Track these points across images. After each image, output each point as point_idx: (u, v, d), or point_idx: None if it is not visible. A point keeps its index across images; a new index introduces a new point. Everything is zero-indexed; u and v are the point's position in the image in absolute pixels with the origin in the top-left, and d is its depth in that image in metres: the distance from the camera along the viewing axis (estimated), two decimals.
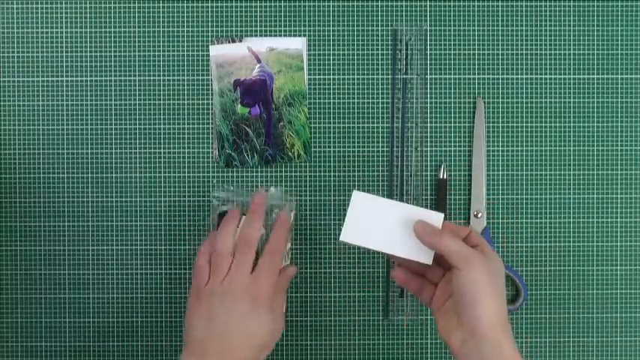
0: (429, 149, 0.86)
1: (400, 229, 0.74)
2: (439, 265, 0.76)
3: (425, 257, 0.74)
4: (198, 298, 0.77)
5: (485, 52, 0.86)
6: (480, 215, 0.86)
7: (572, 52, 0.87)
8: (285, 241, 0.80)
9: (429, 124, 0.86)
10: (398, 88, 0.86)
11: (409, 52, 0.86)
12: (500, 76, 0.87)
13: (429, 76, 0.86)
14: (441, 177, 0.85)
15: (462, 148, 0.87)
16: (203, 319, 0.76)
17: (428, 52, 0.86)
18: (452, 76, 0.87)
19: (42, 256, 0.86)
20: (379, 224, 0.74)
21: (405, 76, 0.86)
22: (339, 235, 0.76)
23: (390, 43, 0.86)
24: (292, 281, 0.87)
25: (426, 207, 0.86)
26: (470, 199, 0.86)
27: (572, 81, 0.87)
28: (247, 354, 0.76)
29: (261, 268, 0.77)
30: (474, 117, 0.86)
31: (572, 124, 0.87)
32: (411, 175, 0.86)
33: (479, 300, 0.69)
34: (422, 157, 0.86)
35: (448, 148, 0.86)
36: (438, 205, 0.85)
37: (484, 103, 0.86)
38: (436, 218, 0.74)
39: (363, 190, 0.86)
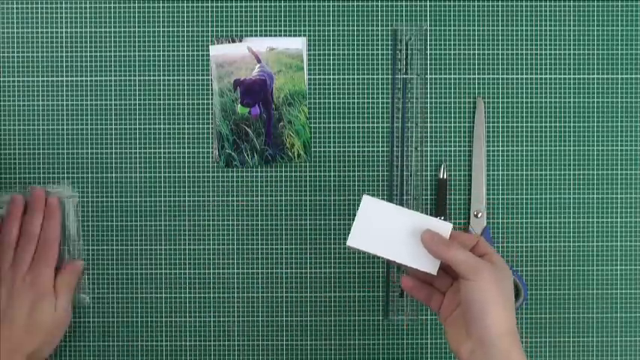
0: (429, 149, 0.86)
1: (407, 238, 0.74)
2: (447, 273, 0.76)
3: (430, 267, 0.74)
4: None
5: (485, 52, 0.86)
6: (480, 215, 0.86)
7: (572, 52, 0.87)
8: (55, 227, 0.83)
9: (429, 124, 0.86)
10: (398, 88, 0.86)
11: (409, 52, 0.86)
12: (500, 76, 0.87)
13: (429, 76, 0.86)
14: (441, 177, 0.85)
15: (462, 148, 0.87)
16: None
17: (428, 52, 0.86)
18: (452, 76, 0.87)
19: None
20: (387, 231, 0.74)
21: (405, 76, 0.86)
22: (347, 238, 0.76)
23: (390, 43, 0.86)
24: (289, 281, 0.87)
25: (426, 207, 0.86)
26: (470, 199, 0.86)
27: (572, 81, 0.87)
28: (34, 342, 0.79)
29: (37, 259, 0.81)
30: (474, 117, 0.86)
31: (572, 124, 0.87)
32: (411, 175, 0.86)
33: (487, 309, 0.69)
34: (422, 157, 0.86)
35: (448, 148, 0.86)
36: (438, 205, 0.85)
37: (484, 103, 0.86)
38: (444, 228, 0.74)
39: (365, 191, 0.86)
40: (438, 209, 0.85)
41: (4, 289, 0.80)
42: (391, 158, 0.86)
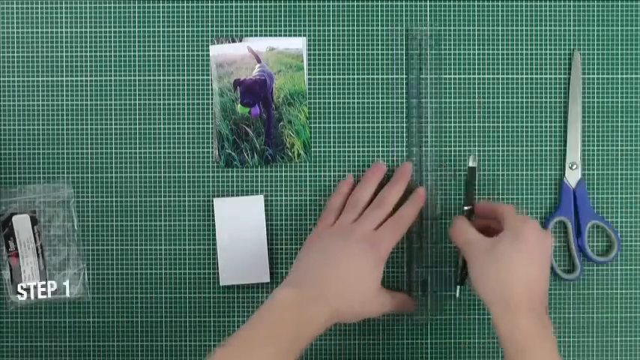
0: (429, 149, 0.86)
1: None
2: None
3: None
4: (319, 235, 0.80)
5: (486, 52, 0.86)
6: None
7: (571, 52, 0.87)
8: (415, 214, 0.81)
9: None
10: (400, 86, 0.86)
11: (423, 51, 0.85)
12: (500, 76, 0.86)
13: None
14: (470, 165, 0.84)
15: (463, 149, 0.86)
16: (320, 253, 0.78)
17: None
18: (452, 76, 0.86)
19: None
20: None
21: (420, 75, 0.86)
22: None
23: (389, 42, 0.86)
24: None
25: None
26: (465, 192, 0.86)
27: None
28: (349, 299, 0.77)
29: (386, 227, 0.79)
30: (473, 117, 0.86)
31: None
32: (428, 171, 0.86)
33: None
34: (437, 155, 0.86)
35: (448, 148, 0.86)
36: (467, 194, 0.83)
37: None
38: None
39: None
40: (466, 199, 0.84)
41: (340, 239, 0.78)
42: (408, 157, 0.86)
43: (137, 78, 0.86)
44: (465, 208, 0.83)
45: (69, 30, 0.86)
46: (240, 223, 0.85)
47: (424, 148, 0.86)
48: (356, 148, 0.86)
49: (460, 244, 0.78)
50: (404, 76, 0.86)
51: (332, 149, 0.87)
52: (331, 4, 0.86)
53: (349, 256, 0.77)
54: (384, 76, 0.86)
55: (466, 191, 0.83)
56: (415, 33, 0.86)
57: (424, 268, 0.86)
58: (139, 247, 0.86)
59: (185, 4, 0.86)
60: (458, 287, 0.84)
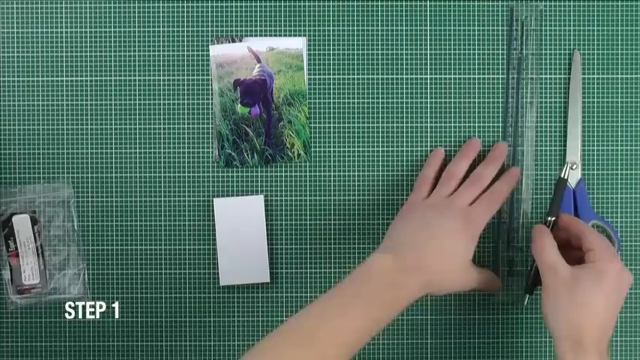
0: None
1: None
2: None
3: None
4: (414, 206, 0.81)
5: (485, 52, 0.86)
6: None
7: (571, 52, 0.87)
8: (509, 191, 0.81)
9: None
10: (512, 63, 0.85)
11: (525, 30, 0.85)
12: (499, 76, 0.87)
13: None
14: (562, 176, 0.83)
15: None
16: (416, 224, 0.78)
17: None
18: (452, 76, 0.87)
19: None
20: None
21: (522, 52, 0.85)
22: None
23: (389, 42, 0.86)
24: (289, 281, 0.87)
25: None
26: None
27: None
28: (442, 272, 0.77)
29: (480, 203, 0.79)
30: (469, 116, 0.86)
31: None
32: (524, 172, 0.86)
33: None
34: (534, 155, 0.85)
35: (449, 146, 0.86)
36: (553, 204, 0.82)
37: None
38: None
39: (364, 191, 0.86)
40: (551, 209, 0.82)
41: (434, 212, 0.78)
42: (512, 155, 0.85)
43: (137, 78, 0.86)
44: (549, 218, 0.81)
45: (69, 30, 0.86)
46: (240, 223, 0.85)
47: (519, 148, 0.85)
48: (356, 148, 0.86)
49: (539, 262, 0.77)
50: (404, 77, 0.86)
51: (332, 149, 0.87)
52: (331, 4, 0.86)
53: (445, 230, 0.77)
54: (385, 76, 0.86)
55: (552, 201, 0.82)
56: (527, 11, 0.86)
57: (511, 252, 0.86)
58: (139, 247, 0.86)
59: (185, 4, 0.86)
60: (527, 296, 0.83)
